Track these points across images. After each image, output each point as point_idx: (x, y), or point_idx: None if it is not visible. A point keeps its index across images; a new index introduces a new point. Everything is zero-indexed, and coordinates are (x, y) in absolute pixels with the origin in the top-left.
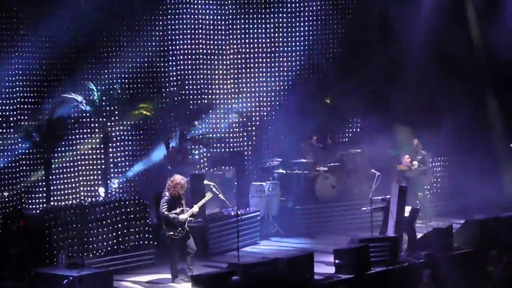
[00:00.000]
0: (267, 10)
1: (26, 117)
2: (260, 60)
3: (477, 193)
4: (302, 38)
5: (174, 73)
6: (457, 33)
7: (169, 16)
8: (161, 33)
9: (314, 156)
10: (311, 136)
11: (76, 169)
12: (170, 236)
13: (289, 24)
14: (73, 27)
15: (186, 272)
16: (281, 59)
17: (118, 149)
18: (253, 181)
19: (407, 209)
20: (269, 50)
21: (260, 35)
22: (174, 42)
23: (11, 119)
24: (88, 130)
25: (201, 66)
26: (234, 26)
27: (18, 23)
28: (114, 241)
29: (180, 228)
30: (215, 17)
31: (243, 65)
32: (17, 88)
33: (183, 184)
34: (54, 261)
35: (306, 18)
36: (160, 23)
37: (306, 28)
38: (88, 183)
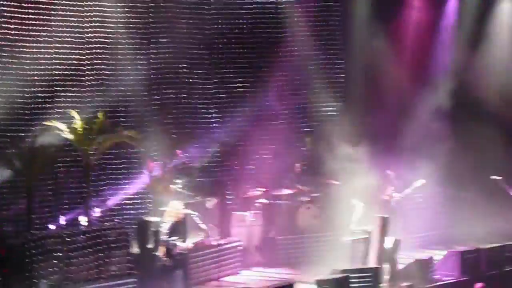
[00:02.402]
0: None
1: (7, 145)
2: (243, 89)
3: (459, 225)
4: None
5: (157, 102)
6: None
7: (151, 46)
8: (144, 61)
9: (300, 184)
10: (295, 164)
11: (57, 197)
12: (165, 262)
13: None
14: (55, 53)
15: None
16: (264, 89)
17: (100, 177)
18: (235, 210)
19: (389, 240)
20: (251, 80)
21: (241, 65)
22: (156, 71)
23: None
24: (71, 159)
25: (183, 95)
26: (218, 56)
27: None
28: (96, 269)
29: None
30: (198, 46)
31: (225, 95)
32: None
33: (178, 208)
34: None
35: None
36: (143, 51)
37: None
38: (70, 211)
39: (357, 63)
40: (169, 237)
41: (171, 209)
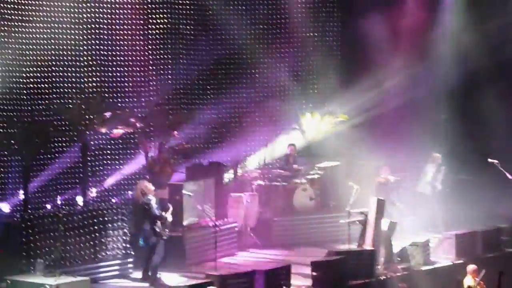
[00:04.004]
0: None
1: (4, 124)
2: (240, 70)
3: (455, 207)
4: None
5: (153, 82)
6: None
7: (149, 26)
8: (140, 42)
9: (292, 164)
10: (290, 145)
11: (54, 177)
12: (161, 235)
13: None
14: (52, 33)
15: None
16: (261, 70)
17: (97, 157)
18: (231, 192)
19: (385, 222)
20: (248, 61)
21: (239, 45)
22: (154, 52)
23: None
24: (67, 138)
25: (180, 76)
26: (214, 36)
27: None
28: (92, 249)
29: (167, 230)
30: (195, 27)
31: (223, 75)
32: None
33: (147, 185)
34: (31, 269)
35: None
36: (141, 32)
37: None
38: (66, 191)
39: (354, 44)
40: (158, 212)
41: (139, 187)
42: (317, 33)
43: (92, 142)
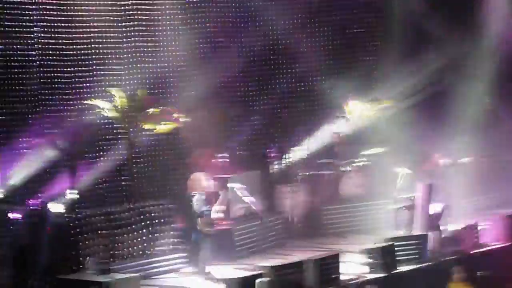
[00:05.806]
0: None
1: (50, 125)
2: (284, 61)
3: (506, 189)
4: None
5: (195, 78)
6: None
7: (189, 21)
8: (181, 37)
9: (338, 153)
10: (335, 133)
11: (101, 175)
12: (207, 232)
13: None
14: (93, 32)
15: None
16: (303, 59)
17: (142, 154)
18: (278, 182)
19: (435, 206)
20: (289, 53)
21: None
22: (195, 47)
23: (36, 126)
24: (112, 136)
25: (221, 70)
26: (254, 28)
27: (38, 31)
28: (141, 246)
29: (212, 226)
30: (235, 19)
31: (266, 66)
32: (41, 96)
33: (200, 180)
34: (81, 267)
35: None
36: (180, 27)
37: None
38: (114, 188)
39: (397, 26)
40: (200, 208)
41: (193, 182)
42: (359, 16)
43: (136, 139)
